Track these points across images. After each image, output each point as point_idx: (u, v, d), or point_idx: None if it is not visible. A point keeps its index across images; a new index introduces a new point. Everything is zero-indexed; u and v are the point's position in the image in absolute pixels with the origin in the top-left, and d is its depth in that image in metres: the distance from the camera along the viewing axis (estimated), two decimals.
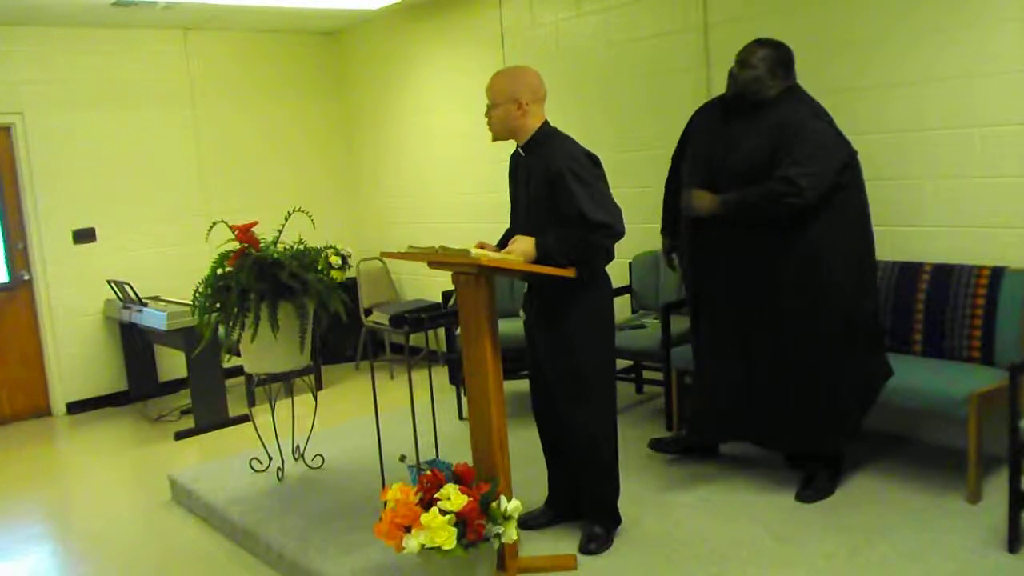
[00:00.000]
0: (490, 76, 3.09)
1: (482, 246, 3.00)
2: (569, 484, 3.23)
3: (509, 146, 3.13)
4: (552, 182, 2.89)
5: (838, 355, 3.28)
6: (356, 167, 7.12)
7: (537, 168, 2.97)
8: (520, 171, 3.11)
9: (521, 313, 3.19)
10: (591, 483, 3.12)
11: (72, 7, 5.26)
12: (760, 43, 3.35)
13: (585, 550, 3.04)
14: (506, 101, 2.98)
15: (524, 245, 2.85)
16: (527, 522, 3.19)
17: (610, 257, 2.96)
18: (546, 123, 3.03)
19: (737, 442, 3.72)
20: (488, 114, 3.04)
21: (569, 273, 2.84)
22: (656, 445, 3.87)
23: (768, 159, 3.22)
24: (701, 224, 3.38)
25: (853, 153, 3.31)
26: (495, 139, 3.10)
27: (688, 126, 3.63)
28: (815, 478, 3.41)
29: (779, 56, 3.32)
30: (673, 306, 4.17)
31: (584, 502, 3.17)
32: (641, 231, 4.83)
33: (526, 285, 3.14)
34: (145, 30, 6.05)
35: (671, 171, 3.73)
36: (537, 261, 2.84)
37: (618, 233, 2.88)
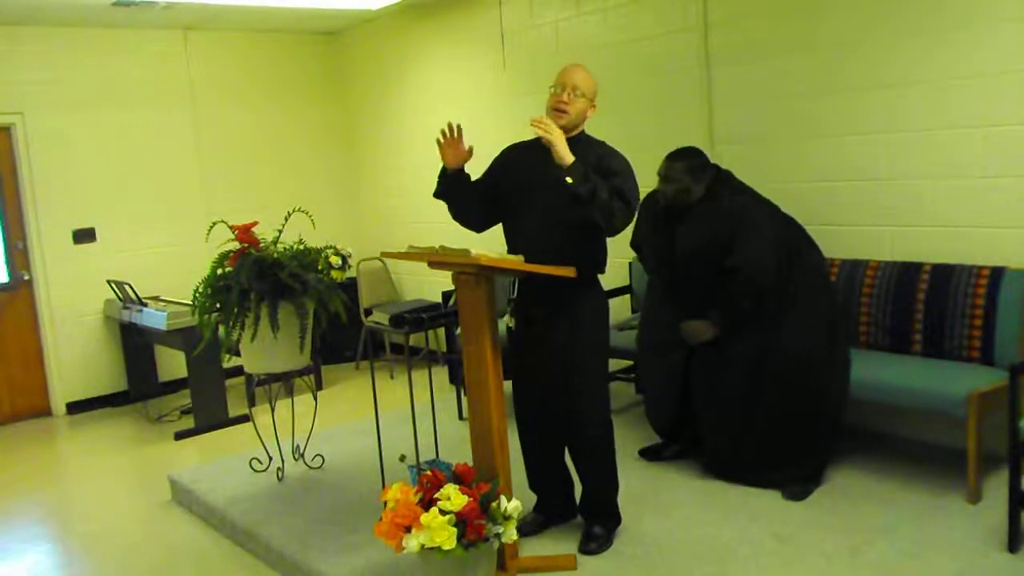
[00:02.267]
0: (572, 67, 3.05)
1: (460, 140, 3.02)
2: (562, 488, 3.24)
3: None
4: (601, 167, 2.92)
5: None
6: (356, 167, 7.12)
7: (581, 162, 2.94)
8: (545, 163, 2.94)
9: (508, 319, 3.12)
10: (595, 482, 3.13)
11: (72, 7, 5.27)
12: (675, 157, 3.60)
13: (585, 550, 3.04)
14: (591, 96, 3.02)
15: (562, 141, 2.81)
16: (520, 528, 3.13)
17: (607, 232, 2.99)
18: (584, 130, 3.08)
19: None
20: (569, 99, 2.97)
21: (569, 273, 2.83)
22: (646, 454, 3.89)
23: (712, 250, 3.48)
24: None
25: (790, 228, 3.62)
26: (563, 123, 2.97)
27: (638, 219, 3.75)
28: (792, 480, 3.41)
29: (694, 163, 3.58)
30: None
31: (587, 502, 3.17)
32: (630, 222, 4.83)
33: (515, 290, 3.06)
34: (145, 30, 6.05)
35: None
36: (568, 172, 2.80)
37: (626, 220, 2.92)
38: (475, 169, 3.12)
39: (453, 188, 3.10)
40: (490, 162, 3.20)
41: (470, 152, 3.06)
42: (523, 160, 3.10)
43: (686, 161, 3.59)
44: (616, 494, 3.16)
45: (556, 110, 2.97)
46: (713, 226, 3.50)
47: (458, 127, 3.04)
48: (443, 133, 3.05)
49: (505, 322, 3.14)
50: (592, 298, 3.03)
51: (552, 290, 2.95)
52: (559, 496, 3.26)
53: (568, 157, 2.80)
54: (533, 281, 2.95)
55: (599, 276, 3.09)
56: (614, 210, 2.85)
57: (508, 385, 3.06)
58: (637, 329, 4.05)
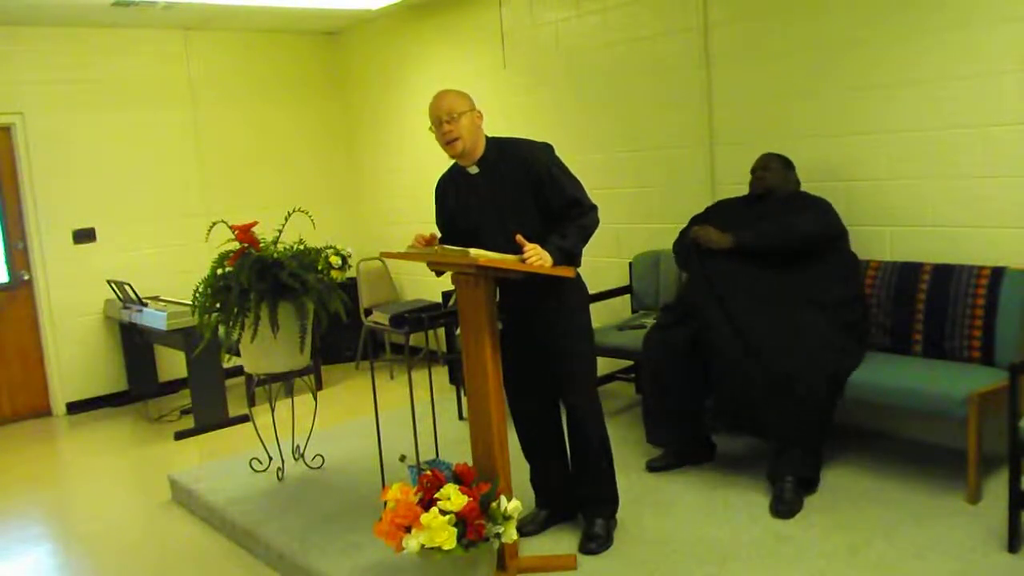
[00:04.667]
0: (437, 101, 2.98)
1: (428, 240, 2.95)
2: (561, 480, 3.24)
3: None
4: (539, 182, 2.92)
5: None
6: (356, 167, 7.12)
7: (510, 174, 2.96)
8: (477, 189, 3.03)
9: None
10: (596, 479, 3.12)
11: (72, 7, 5.27)
12: (770, 155, 3.95)
13: (585, 550, 3.04)
14: (469, 109, 2.95)
15: (547, 255, 2.79)
16: (521, 528, 3.11)
17: None
18: (487, 136, 3.04)
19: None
20: (450, 127, 2.91)
21: (568, 272, 2.84)
22: (653, 465, 3.83)
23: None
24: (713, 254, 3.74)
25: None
26: (461, 151, 2.96)
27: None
28: (784, 491, 3.32)
29: (786, 160, 3.94)
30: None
31: (585, 496, 3.17)
32: (641, 231, 4.84)
33: (498, 293, 3.07)
34: (145, 30, 6.05)
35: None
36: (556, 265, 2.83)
37: (596, 222, 3.01)
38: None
39: None
40: (435, 207, 3.21)
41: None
42: (459, 190, 3.11)
43: (781, 158, 3.94)
44: (613, 483, 3.16)
45: (449, 143, 2.95)
46: (791, 214, 3.75)
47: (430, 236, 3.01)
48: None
49: None
50: (579, 295, 3.08)
51: (532, 286, 2.96)
52: (559, 489, 3.26)
53: (551, 263, 2.80)
54: (512, 281, 2.94)
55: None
56: (590, 234, 2.97)
57: None
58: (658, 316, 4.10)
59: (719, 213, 4.01)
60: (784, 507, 3.26)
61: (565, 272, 2.83)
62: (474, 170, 3.03)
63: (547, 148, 3.03)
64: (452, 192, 3.13)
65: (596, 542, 3.06)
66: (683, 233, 4.09)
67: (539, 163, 2.94)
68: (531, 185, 2.94)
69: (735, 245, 3.68)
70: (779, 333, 3.47)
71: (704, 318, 3.62)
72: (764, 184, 3.88)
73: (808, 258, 3.66)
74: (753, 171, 3.94)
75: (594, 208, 2.99)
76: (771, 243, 3.68)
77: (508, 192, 2.97)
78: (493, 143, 3.03)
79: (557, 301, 3.00)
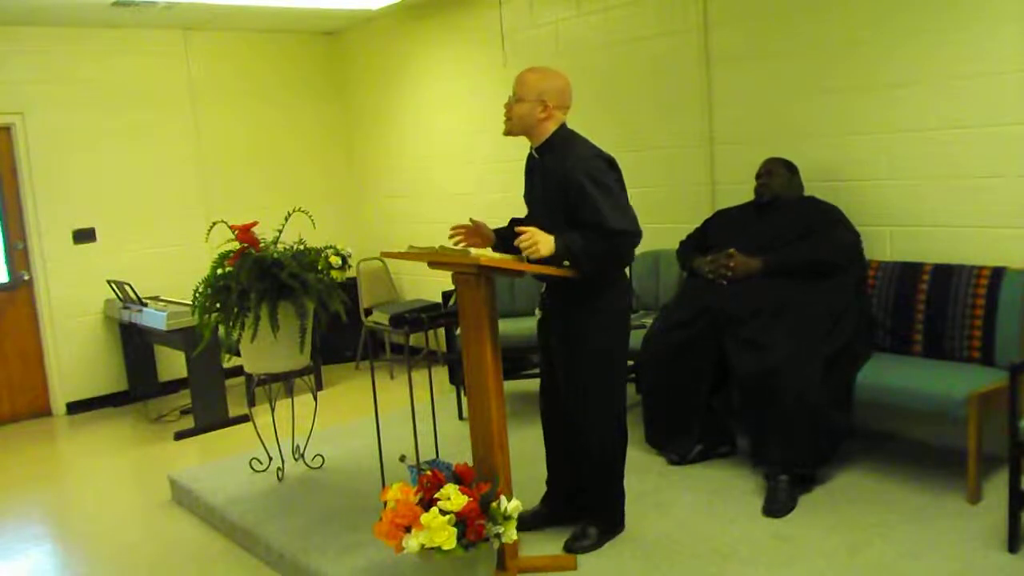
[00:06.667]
0: (520, 72, 3.01)
1: (476, 226, 3.01)
2: (568, 484, 3.23)
3: (512, 146, 3.12)
4: (570, 187, 2.85)
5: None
6: (356, 167, 7.12)
7: (554, 171, 2.94)
8: (535, 173, 3.07)
9: (537, 312, 3.17)
10: (593, 485, 3.12)
11: (72, 7, 5.27)
12: (773, 159, 3.94)
13: (570, 547, 3.03)
14: (534, 98, 2.92)
15: (545, 242, 2.75)
16: (521, 523, 3.09)
17: (626, 262, 3.01)
18: (563, 126, 3.00)
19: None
20: (509, 106, 2.96)
21: (568, 273, 2.83)
22: (673, 458, 3.84)
23: (799, 238, 3.71)
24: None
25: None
26: (508, 133, 3.02)
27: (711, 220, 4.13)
28: (777, 490, 3.34)
29: (789, 163, 3.92)
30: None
31: (584, 502, 3.16)
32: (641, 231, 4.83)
33: (544, 285, 3.10)
34: (145, 30, 6.05)
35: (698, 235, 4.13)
36: (557, 259, 2.79)
37: (638, 238, 2.88)
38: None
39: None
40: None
41: (487, 229, 3.07)
42: (531, 167, 3.12)
43: (785, 162, 3.93)
44: (616, 500, 3.15)
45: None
46: (804, 218, 3.77)
47: (470, 220, 3.04)
48: (455, 230, 3.05)
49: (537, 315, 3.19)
50: (603, 301, 2.95)
51: (563, 290, 2.95)
52: (563, 492, 3.25)
53: (547, 251, 2.75)
54: (551, 277, 2.94)
55: (622, 280, 3.06)
56: (613, 260, 2.87)
57: (508, 385, 3.06)
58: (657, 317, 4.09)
59: (724, 225, 3.98)
60: (776, 506, 3.27)
61: (565, 272, 2.83)
62: (536, 155, 3.04)
63: (595, 159, 2.89)
64: (529, 167, 3.14)
65: (584, 541, 3.04)
66: (684, 243, 4.09)
67: (576, 171, 2.84)
68: (563, 189, 2.88)
69: (764, 270, 3.65)
70: (773, 328, 3.49)
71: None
72: (770, 191, 3.86)
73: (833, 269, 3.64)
74: (757, 176, 3.93)
75: (617, 234, 2.80)
76: (806, 259, 3.64)
77: (548, 184, 2.96)
78: (560, 137, 2.97)
79: (580, 309, 2.95)
